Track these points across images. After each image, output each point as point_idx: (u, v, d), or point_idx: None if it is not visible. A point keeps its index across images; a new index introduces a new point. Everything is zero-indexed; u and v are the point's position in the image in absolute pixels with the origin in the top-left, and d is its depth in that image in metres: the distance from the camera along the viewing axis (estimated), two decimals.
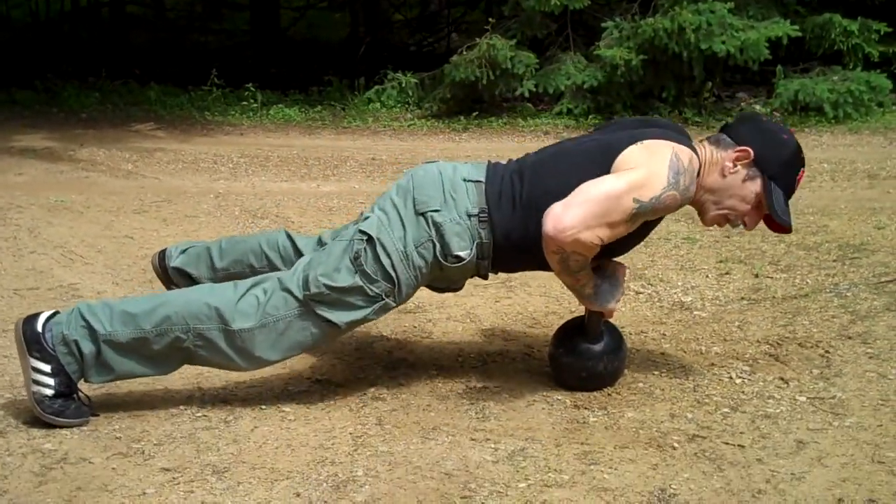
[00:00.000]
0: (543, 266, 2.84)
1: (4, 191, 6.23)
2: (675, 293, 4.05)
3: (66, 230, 5.27)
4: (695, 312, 3.80)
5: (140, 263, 4.61)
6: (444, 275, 2.89)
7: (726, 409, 2.90)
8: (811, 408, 2.90)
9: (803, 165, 2.91)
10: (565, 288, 3.92)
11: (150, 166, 7.30)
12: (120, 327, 2.79)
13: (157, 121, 9.18)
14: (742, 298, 3.95)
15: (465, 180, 2.87)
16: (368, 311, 2.83)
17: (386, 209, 2.87)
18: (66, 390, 2.79)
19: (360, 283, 2.79)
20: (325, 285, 2.79)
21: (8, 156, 7.56)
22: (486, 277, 2.98)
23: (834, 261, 4.46)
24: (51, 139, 8.35)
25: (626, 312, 3.80)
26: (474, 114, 8.88)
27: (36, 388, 2.76)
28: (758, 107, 9.11)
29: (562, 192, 2.69)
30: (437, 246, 2.82)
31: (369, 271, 2.79)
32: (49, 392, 2.76)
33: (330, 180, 6.81)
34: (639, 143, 2.76)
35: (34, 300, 4.01)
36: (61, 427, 2.78)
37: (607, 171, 2.73)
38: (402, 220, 2.83)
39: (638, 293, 4.06)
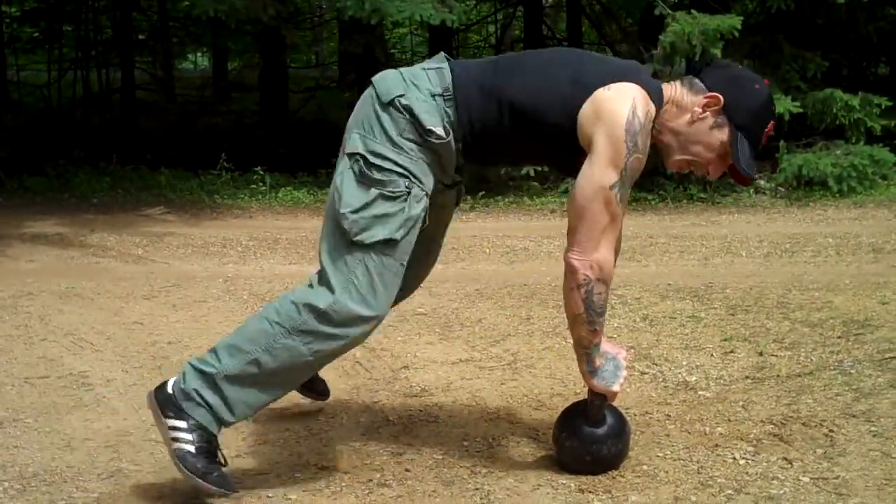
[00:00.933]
0: (518, 157, 2.97)
1: (16, 278, 6.30)
2: (679, 373, 4.07)
3: (76, 317, 5.32)
4: (699, 392, 3.81)
5: (149, 350, 4.65)
6: (439, 160, 2.89)
7: (730, 491, 2.91)
8: (815, 488, 2.91)
9: (773, 118, 2.91)
10: (570, 369, 3.97)
11: (160, 251, 7.37)
12: (228, 360, 2.83)
13: (168, 205, 9.28)
14: (746, 377, 3.97)
15: (424, 69, 2.93)
16: (405, 207, 2.82)
17: (359, 122, 2.90)
18: (207, 445, 2.81)
19: (378, 191, 2.80)
20: (352, 213, 2.79)
21: (20, 242, 7.65)
22: (460, 172, 3.02)
23: (838, 337, 4.48)
24: (62, 225, 8.44)
25: (632, 393, 3.82)
26: (480, 193, 8.96)
27: (176, 445, 2.79)
28: (762, 182, 9.17)
29: (530, 91, 2.81)
30: (414, 125, 2.83)
31: (378, 178, 2.80)
32: (190, 448, 2.79)
33: None
34: (604, 89, 2.77)
35: (45, 388, 4.05)
36: (205, 490, 2.80)
37: (572, 107, 2.78)
38: (377, 119, 2.85)
39: (643, 374, 4.08)
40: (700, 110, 2.84)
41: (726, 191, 8.91)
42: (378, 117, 2.86)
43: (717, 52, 8.46)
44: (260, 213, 9.02)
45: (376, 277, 2.82)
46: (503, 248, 7.15)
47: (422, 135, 2.84)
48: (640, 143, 2.73)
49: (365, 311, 2.82)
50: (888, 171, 8.95)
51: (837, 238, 7.18)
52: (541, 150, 2.97)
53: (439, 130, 2.84)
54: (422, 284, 3.41)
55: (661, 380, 4.00)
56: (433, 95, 2.87)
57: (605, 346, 2.99)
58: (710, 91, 2.85)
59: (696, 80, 2.90)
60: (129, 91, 13.91)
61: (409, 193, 2.82)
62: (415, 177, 2.83)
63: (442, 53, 3.02)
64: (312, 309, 2.82)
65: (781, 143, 9.01)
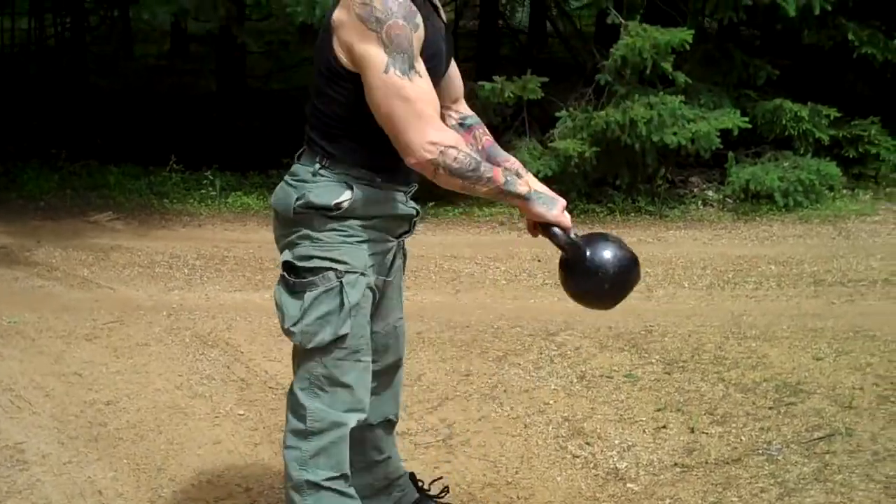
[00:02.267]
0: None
1: None
2: (611, 457, 4.12)
3: (16, 364, 5.31)
4: (628, 485, 3.87)
5: (87, 413, 4.66)
6: (367, 217, 2.82)
7: None
8: None
9: None
10: (504, 447, 4.01)
11: (106, 271, 7.34)
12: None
13: (116, 209, 9.21)
14: (675, 464, 4.03)
15: (296, 160, 2.89)
16: (343, 298, 2.78)
17: (280, 242, 2.90)
18: None
19: (311, 293, 2.77)
20: (295, 326, 2.79)
21: None
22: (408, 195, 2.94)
23: (769, 408, 4.54)
24: (8, 233, 8.38)
25: (561, 483, 3.88)
26: (430, 203, 8.95)
27: None
28: (710, 192, 9.24)
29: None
30: (322, 213, 2.78)
31: (308, 280, 2.78)
32: None
33: None
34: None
35: None
36: None
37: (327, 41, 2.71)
38: (292, 232, 2.83)
39: (575, 457, 4.13)
40: None
41: (674, 203, 8.97)
42: (292, 231, 2.84)
43: (668, 65, 8.49)
44: (209, 220, 8.97)
45: (336, 373, 2.82)
46: (449, 274, 7.17)
47: (334, 216, 2.79)
48: (383, 12, 2.60)
49: (339, 409, 2.84)
50: (834, 183, 9.02)
51: (780, 264, 7.25)
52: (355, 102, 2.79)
53: (343, 197, 2.78)
54: None
55: (592, 465, 4.05)
56: (314, 174, 2.81)
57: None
58: None
59: None
60: (80, 45, 13.65)
61: (341, 283, 2.79)
62: (342, 262, 2.79)
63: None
64: (297, 434, 2.85)
65: (730, 154, 9.05)
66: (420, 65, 2.66)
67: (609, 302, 2.95)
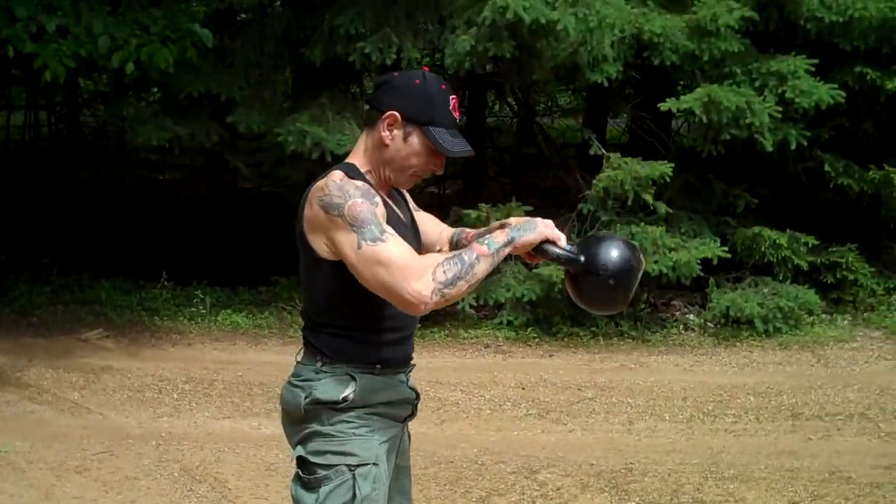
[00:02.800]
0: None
1: None
2: None
3: (6, 500, 5.39)
4: None
5: None
6: (373, 404, 2.92)
7: None
8: None
9: (450, 93, 2.92)
10: None
11: (97, 395, 7.44)
12: None
13: (107, 325, 9.33)
14: None
15: (297, 361, 3.00)
16: (356, 490, 2.84)
17: (291, 439, 2.97)
18: None
19: (326, 487, 2.84)
20: None
21: None
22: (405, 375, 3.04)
23: None
24: (0, 350, 8.48)
25: None
26: (416, 325, 9.08)
27: None
28: (691, 316, 9.43)
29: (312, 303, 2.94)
30: (330, 409, 2.87)
31: (322, 475, 2.85)
32: None
33: (272, 417, 6.96)
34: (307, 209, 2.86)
35: None
36: None
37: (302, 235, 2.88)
38: (302, 429, 2.90)
39: None
40: (387, 134, 2.90)
41: (656, 327, 9.15)
42: (303, 427, 2.94)
43: (649, 196, 8.74)
44: (199, 339, 9.09)
45: None
46: (434, 402, 7.28)
47: (341, 409, 2.90)
48: (340, 197, 2.76)
49: None
50: (813, 308, 9.22)
51: (759, 395, 7.40)
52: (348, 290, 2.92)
53: (348, 391, 2.89)
54: None
55: None
56: (317, 373, 2.93)
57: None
58: (384, 113, 2.91)
59: (371, 111, 2.96)
60: (74, 138, 13.81)
61: (353, 476, 2.87)
62: (354, 455, 2.89)
63: None
64: None
65: (711, 280, 9.26)
66: (388, 227, 2.78)
67: (621, 298, 2.92)
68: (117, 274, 11.04)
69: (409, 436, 3.18)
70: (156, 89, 11.43)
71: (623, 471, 5.85)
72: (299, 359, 3.01)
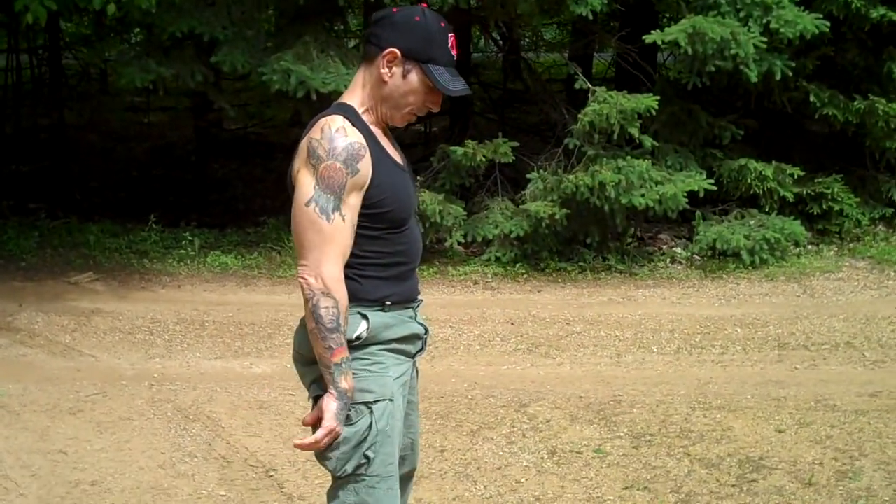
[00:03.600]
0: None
1: None
2: None
3: (2, 442, 5.44)
4: None
5: (73, 494, 4.81)
6: (387, 339, 2.96)
7: None
8: None
9: (449, 31, 2.98)
10: None
11: (88, 338, 7.47)
12: None
13: (96, 269, 9.33)
14: None
15: None
16: (372, 424, 2.91)
17: (305, 376, 3.02)
18: None
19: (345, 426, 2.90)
20: (329, 454, 2.91)
21: None
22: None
23: (732, 485, 4.74)
24: None
25: None
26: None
27: None
28: (678, 249, 9.47)
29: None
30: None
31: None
32: None
33: (263, 356, 7.03)
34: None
35: None
36: None
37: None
38: (316, 366, 2.92)
39: None
40: (386, 71, 2.95)
41: (643, 261, 9.19)
42: (317, 367, 2.93)
43: (635, 130, 8.74)
44: (188, 280, 9.10)
45: (369, 500, 2.94)
46: None
47: (355, 347, 2.92)
48: (325, 152, 2.85)
49: None
50: (799, 240, 9.26)
51: (746, 326, 7.47)
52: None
53: (361, 329, 2.92)
54: None
55: None
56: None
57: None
58: (383, 50, 2.95)
59: (370, 48, 3.00)
60: (57, 82, 13.75)
61: (371, 411, 2.93)
62: (370, 391, 2.93)
63: None
64: None
65: (697, 212, 9.30)
66: (347, 208, 2.86)
67: None
68: (105, 217, 11.04)
69: (417, 371, 3.22)
70: (138, 30, 11.33)
71: (612, 402, 5.92)
72: None
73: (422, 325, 3.10)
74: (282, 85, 8.71)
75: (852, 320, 7.56)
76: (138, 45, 10.91)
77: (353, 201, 2.87)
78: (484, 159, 8.94)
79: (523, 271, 9.03)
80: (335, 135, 2.86)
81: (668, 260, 9.32)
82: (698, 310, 8.00)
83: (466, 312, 8.01)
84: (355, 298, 2.93)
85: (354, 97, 3.00)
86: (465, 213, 9.10)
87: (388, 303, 2.96)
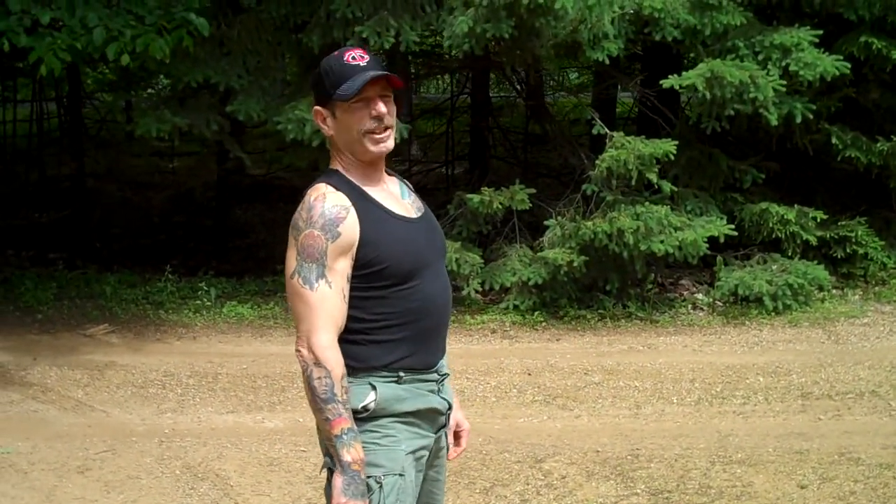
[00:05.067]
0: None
1: None
2: None
3: (7, 502, 5.35)
4: None
5: None
6: (398, 411, 2.89)
7: None
8: None
9: (346, 50, 2.91)
10: None
11: (100, 392, 7.40)
12: None
13: (112, 321, 9.28)
14: None
15: None
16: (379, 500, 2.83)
17: (321, 441, 2.91)
18: None
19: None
20: None
21: None
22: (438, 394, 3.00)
23: None
24: (5, 349, 8.44)
25: None
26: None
27: None
28: (700, 295, 9.33)
29: None
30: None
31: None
32: None
33: (276, 410, 6.94)
34: None
35: None
36: None
37: None
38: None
39: None
40: (325, 127, 2.95)
41: (664, 307, 9.05)
42: None
43: (653, 175, 8.64)
44: (204, 331, 9.04)
45: None
46: None
47: (365, 418, 2.85)
48: (304, 222, 2.82)
49: None
50: (823, 284, 9.10)
51: (769, 374, 7.31)
52: None
53: (368, 399, 2.85)
54: None
55: None
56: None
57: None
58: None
59: None
60: (79, 129, 13.83)
61: (380, 486, 2.85)
62: (380, 466, 2.85)
63: None
64: None
65: (718, 258, 9.16)
66: (333, 274, 2.80)
67: None
68: (124, 266, 11.02)
69: (447, 447, 3.12)
70: (163, 78, 11.35)
71: (629, 457, 5.78)
72: None
73: (445, 399, 3.01)
74: (297, 134, 8.68)
75: (878, 368, 7.40)
76: (156, 94, 10.93)
77: (341, 266, 2.81)
78: (501, 206, 8.84)
79: (542, 319, 8.91)
80: (313, 203, 2.83)
81: (690, 306, 9.17)
82: (720, 357, 7.85)
83: (483, 363, 7.89)
84: (367, 365, 2.87)
85: (335, 161, 2.98)
86: (483, 260, 9.01)
87: (402, 373, 2.89)
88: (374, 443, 2.85)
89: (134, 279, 10.53)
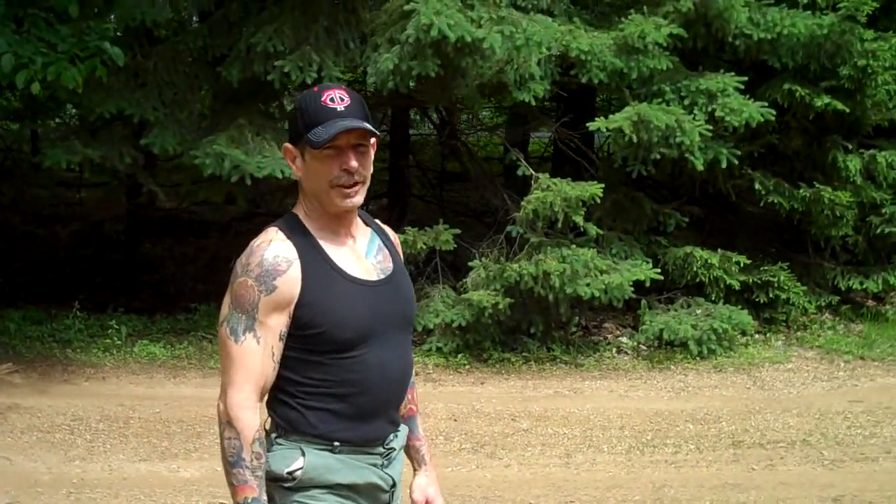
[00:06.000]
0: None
1: None
2: None
3: None
4: None
5: None
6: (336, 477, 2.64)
7: None
8: None
9: (324, 90, 2.65)
10: None
11: (3, 437, 6.98)
12: None
13: (17, 360, 8.83)
14: None
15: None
16: None
17: None
18: None
19: None
20: None
21: None
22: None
23: None
24: None
25: None
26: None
27: None
28: (624, 339, 9.23)
29: None
30: (279, 485, 2.61)
31: None
32: None
33: (191, 458, 6.61)
34: None
35: None
36: None
37: None
38: None
39: None
40: (294, 166, 2.69)
41: (589, 351, 8.94)
42: None
43: (579, 218, 8.54)
44: (114, 372, 8.66)
45: None
46: None
47: (292, 487, 2.62)
48: (242, 268, 2.60)
49: None
50: (747, 329, 9.08)
51: (698, 422, 7.22)
52: None
53: (296, 465, 2.61)
54: None
55: None
56: (272, 444, 2.67)
57: None
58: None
59: None
60: None
61: None
62: None
63: None
64: None
65: (643, 301, 9.07)
66: (263, 329, 2.57)
67: None
68: (28, 302, 10.56)
69: None
70: (71, 108, 10.97)
71: None
72: (266, 426, 2.72)
73: (389, 476, 2.74)
74: (215, 168, 8.39)
75: (806, 415, 7.36)
76: (64, 124, 10.54)
77: (274, 322, 2.58)
78: (424, 247, 8.67)
79: (465, 362, 8.72)
80: (255, 248, 2.60)
81: (614, 350, 9.07)
82: (647, 403, 7.75)
83: (433, 381, 7.70)
84: (297, 430, 2.63)
85: (299, 205, 2.72)
86: None
87: (336, 443, 2.63)
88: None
89: (39, 315, 10.07)
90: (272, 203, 13.66)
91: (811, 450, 6.65)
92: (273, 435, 2.66)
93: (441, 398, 7.95)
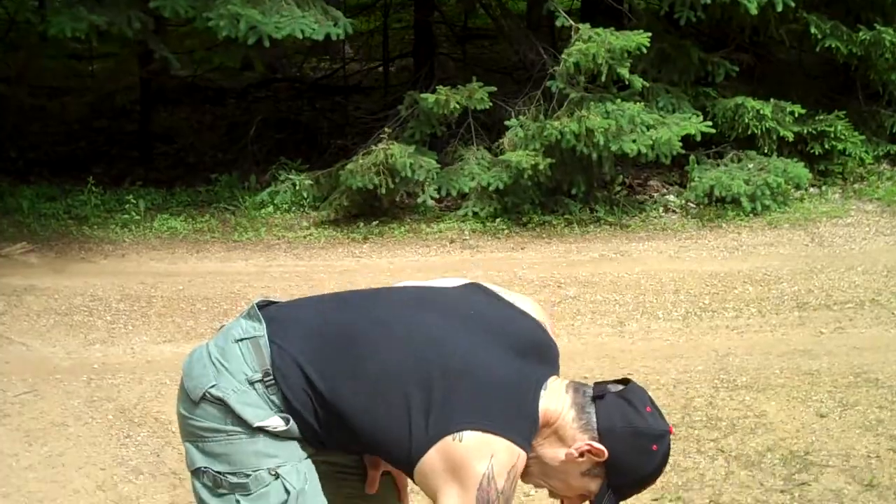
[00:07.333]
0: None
1: None
2: None
3: None
4: None
5: None
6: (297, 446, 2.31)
7: None
8: None
9: (653, 482, 2.39)
10: None
11: (19, 321, 6.58)
12: None
13: (32, 239, 8.42)
14: None
15: (237, 340, 2.31)
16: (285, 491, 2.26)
17: (184, 430, 2.36)
18: None
19: (242, 495, 2.25)
20: None
21: None
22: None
23: (781, 491, 3.99)
24: None
25: None
26: (374, 221, 8.31)
27: None
28: (671, 197, 8.69)
29: (361, 416, 2.24)
30: (238, 419, 2.25)
31: (234, 482, 2.26)
32: None
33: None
34: (452, 439, 2.18)
35: None
36: None
37: (409, 453, 2.21)
38: (199, 420, 2.29)
39: None
40: (577, 454, 2.27)
41: (634, 211, 8.42)
42: (198, 417, 2.29)
43: (625, 70, 7.92)
44: (133, 248, 8.24)
45: None
46: None
47: (249, 431, 2.25)
48: (496, 492, 2.18)
49: None
50: (802, 182, 8.53)
51: (757, 283, 6.73)
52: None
53: (273, 422, 2.26)
54: None
55: None
56: (251, 383, 2.26)
57: None
58: (600, 432, 2.27)
59: (590, 410, 2.31)
60: None
61: (277, 477, 2.25)
62: (272, 456, 2.26)
63: (255, 305, 2.36)
64: None
65: (691, 157, 8.50)
66: None
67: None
68: (42, 178, 10.12)
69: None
70: None
71: None
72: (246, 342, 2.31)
73: None
74: (230, 31, 7.80)
75: (872, 272, 6.85)
76: None
77: None
78: (458, 106, 8.10)
79: (504, 227, 8.23)
80: (507, 485, 2.24)
81: (661, 209, 8.54)
82: (700, 265, 7.25)
83: (443, 274, 7.21)
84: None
85: (551, 408, 2.35)
86: (439, 165, 8.28)
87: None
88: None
89: (53, 192, 9.64)
90: (290, 67, 13.07)
91: (882, 310, 6.15)
92: (257, 375, 2.31)
93: (479, 266, 7.50)
